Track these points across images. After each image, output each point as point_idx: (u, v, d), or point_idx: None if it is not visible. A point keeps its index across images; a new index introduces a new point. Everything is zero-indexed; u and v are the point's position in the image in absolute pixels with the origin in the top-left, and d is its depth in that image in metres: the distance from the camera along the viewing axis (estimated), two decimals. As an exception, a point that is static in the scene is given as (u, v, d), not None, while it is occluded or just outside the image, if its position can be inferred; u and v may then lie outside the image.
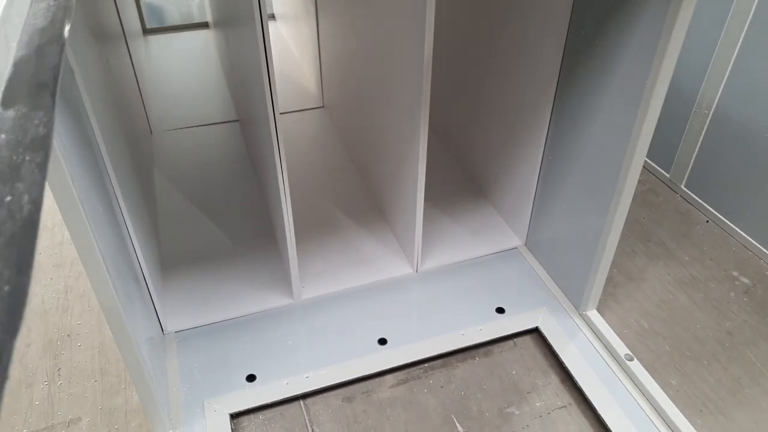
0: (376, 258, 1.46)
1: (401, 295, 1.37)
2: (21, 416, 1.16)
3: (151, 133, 1.95)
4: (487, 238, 1.52)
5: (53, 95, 0.29)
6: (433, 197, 1.62)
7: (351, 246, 1.49)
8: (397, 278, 1.41)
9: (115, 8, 1.63)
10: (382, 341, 1.26)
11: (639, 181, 1.61)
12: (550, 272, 1.41)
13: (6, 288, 0.18)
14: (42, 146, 0.25)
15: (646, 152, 1.05)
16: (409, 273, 1.43)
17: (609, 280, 1.43)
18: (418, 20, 1.06)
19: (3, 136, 0.25)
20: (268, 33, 0.98)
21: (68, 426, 1.14)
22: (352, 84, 1.64)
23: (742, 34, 1.40)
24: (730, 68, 1.45)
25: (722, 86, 1.48)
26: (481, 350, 1.28)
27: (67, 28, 0.36)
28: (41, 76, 0.30)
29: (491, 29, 1.39)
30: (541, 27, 1.21)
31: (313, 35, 1.95)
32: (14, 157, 0.24)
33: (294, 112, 2.06)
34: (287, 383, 1.18)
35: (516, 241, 1.51)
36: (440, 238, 1.52)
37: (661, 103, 0.99)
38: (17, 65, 0.31)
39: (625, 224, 1.48)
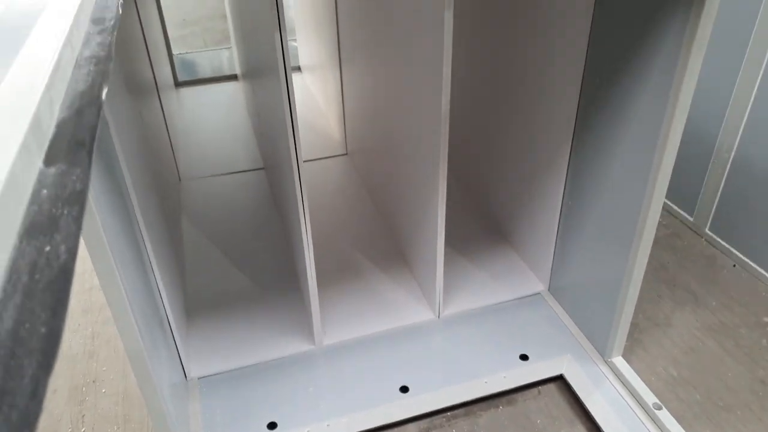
0: (398, 304, 1.46)
1: (423, 342, 1.37)
2: (45, 462, 1.17)
3: (180, 180, 2.01)
4: (509, 284, 1.51)
5: (90, 153, 0.32)
6: (455, 242, 1.63)
7: (373, 292, 1.50)
8: (419, 324, 1.41)
9: (149, 63, 1.72)
10: (404, 389, 1.25)
11: (662, 225, 1.59)
12: (574, 318, 1.39)
13: (42, 329, 0.20)
14: (78, 201, 0.28)
15: (664, 196, 1.05)
16: (431, 319, 1.42)
17: (634, 326, 1.40)
18: (436, 72, 1.10)
19: (45, 191, 0.28)
20: (292, 84, 1.02)
21: (91, 473, 1.15)
22: (374, 132, 1.68)
23: (759, 78, 1.41)
24: (748, 111, 1.46)
25: (741, 129, 1.48)
26: (505, 398, 1.26)
27: (104, 91, 0.39)
28: (80, 135, 0.33)
29: (509, 76, 1.43)
30: (557, 74, 1.23)
31: (337, 85, 2.02)
32: (53, 211, 0.27)
33: (318, 159, 2.11)
34: (309, 431, 1.17)
35: (539, 286, 1.50)
36: (462, 283, 1.51)
37: (676, 148, 0.99)
38: (59, 126, 0.34)
39: (649, 269, 1.46)
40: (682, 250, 1.63)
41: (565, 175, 1.30)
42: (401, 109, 1.37)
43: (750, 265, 1.53)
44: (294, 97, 1.03)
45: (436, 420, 1.21)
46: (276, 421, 1.19)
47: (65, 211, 0.26)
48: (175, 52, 2.94)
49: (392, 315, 1.43)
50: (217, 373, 1.30)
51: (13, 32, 0.44)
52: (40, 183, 0.29)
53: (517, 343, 1.35)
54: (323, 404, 1.22)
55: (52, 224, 0.26)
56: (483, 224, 1.72)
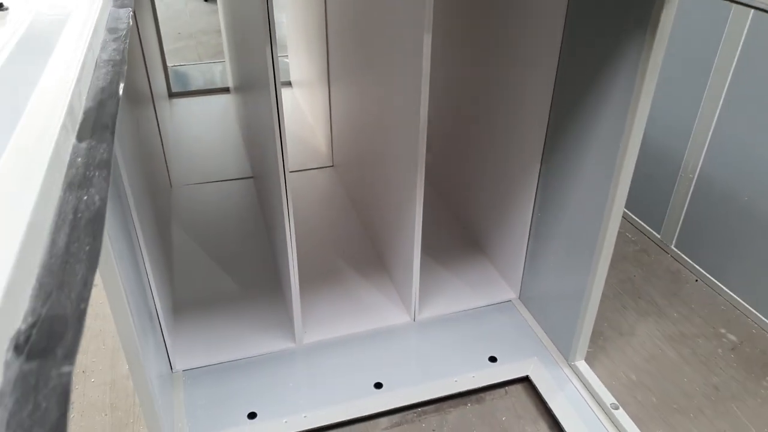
0: (376, 307, 1.54)
1: (398, 342, 1.44)
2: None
3: (171, 186, 2.08)
4: (482, 291, 1.59)
5: (112, 134, 0.40)
6: (432, 250, 1.71)
7: (353, 295, 1.57)
8: (395, 326, 1.48)
9: (146, 74, 1.80)
10: (378, 385, 1.32)
11: (631, 241, 1.70)
12: (542, 324, 1.47)
13: (87, 248, 0.28)
14: (105, 166, 0.36)
15: (622, 210, 1.14)
16: (407, 321, 1.50)
17: (600, 334, 1.49)
18: (415, 90, 1.19)
19: (79, 159, 0.36)
20: (281, 98, 1.11)
21: (77, 457, 1.20)
22: (358, 145, 1.77)
23: (720, 103, 1.52)
24: (710, 134, 1.57)
25: (704, 150, 1.59)
26: (474, 397, 1.33)
27: (121, 86, 0.48)
28: (104, 120, 0.41)
29: (485, 92, 1.52)
30: (528, 92, 1.33)
31: (325, 101, 2.11)
32: (87, 173, 0.35)
33: (305, 170, 2.19)
34: (286, 421, 1.24)
35: (510, 294, 1.58)
36: (438, 289, 1.59)
37: (633, 162, 1.09)
38: (87, 113, 0.42)
39: (616, 282, 1.55)
40: (649, 265, 1.72)
41: (535, 189, 1.39)
42: (383, 125, 1.46)
43: (710, 280, 1.62)
44: (282, 111, 1.11)
45: (408, 415, 1.28)
46: (256, 412, 1.25)
47: (96, 173, 0.34)
48: (169, 64, 3.03)
49: (370, 317, 1.50)
50: (202, 366, 1.36)
51: (44, 39, 0.53)
52: (75, 154, 0.37)
53: (487, 345, 1.43)
54: (301, 397, 1.29)
55: (87, 182, 0.33)
56: (460, 234, 1.81)
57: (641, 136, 1.07)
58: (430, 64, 1.14)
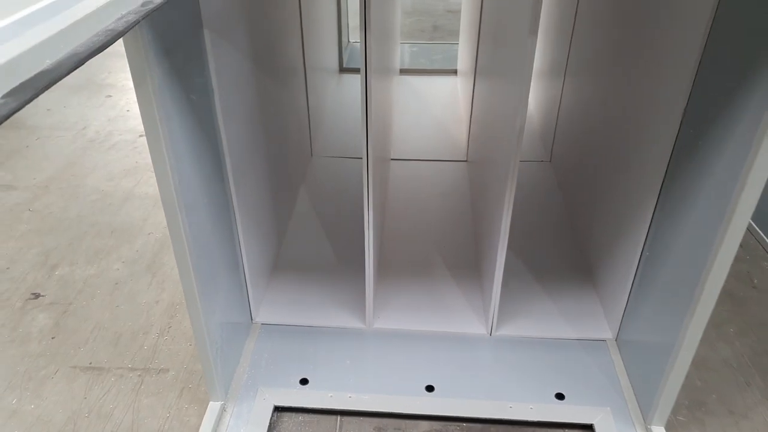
0: (456, 311, 1.50)
1: (464, 352, 1.39)
2: (130, 355, 1.43)
3: (312, 155, 2.22)
4: (576, 323, 1.46)
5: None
6: (539, 268, 1.61)
7: (438, 294, 1.55)
8: (468, 335, 1.43)
9: (302, 47, 1.93)
10: (430, 388, 1.30)
11: None
12: (630, 373, 1.31)
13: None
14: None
15: (728, 267, 0.96)
16: (482, 334, 1.44)
17: (701, 404, 1.28)
18: (519, 81, 1.11)
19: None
20: (528, 88, 1.06)
21: (158, 373, 1.38)
22: (483, 139, 1.71)
23: None
24: None
25: None
26: (526, 429, 1.24)
27: None
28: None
29: (613, 118, 1.37)
30: (653, 124, 1.17)
31: (468, 94, 2.07)
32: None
33: (436, 161, 2.18)
34: (331, 396, 1.28)
35: (607, 333, 1.43)
36: (529, 309, 1.50)
37: (745, 224, 0.91)
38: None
39: (749, 351, 1.35)
40: (797, 341, 1.42)
41: (648, 225, 1.22)
42: (493, 127, 1.39)
43: None
44: (526, 101, 1.08)
45: (450, 426, 1.24)
46: (308, 379, 1.32)
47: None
48: (352, 40, 3.20)
49: (445, 319, 1.47)
50: (278, 324, 1.46)
51: None
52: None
53: (559, 380, 1.31)
54: (353, 378, 1.32)
55: None
56: (576, 257, 1.67)
57: (758, 194, 0.89)
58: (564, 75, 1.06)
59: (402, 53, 3.28)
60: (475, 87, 2.00)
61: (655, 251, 1.20)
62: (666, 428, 1.19)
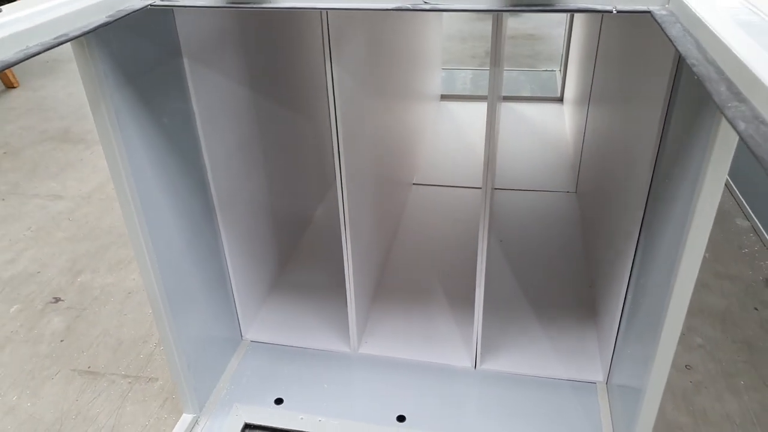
0: (444, 341, 1.47)
1: (445, 384, 1.36)
2: (126, 362, 1.50)
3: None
4: (568, 362, 1.39)
5: None
6: (540, 303, 1.56)
7: (429, 323, 1.53)
8: (451, 367, 1.40)
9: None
10: (401, 418, 1.28)
11: None
12: (614, 419, 1.23)
13: None
14: None
15: (684, 311, 0.90)
16: (466, 367, 1.40)
17: (690, 460, 1.19)
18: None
19: None
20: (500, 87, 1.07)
21: (147, 382, 1.44)
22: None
23: None
24: None
25: None
26: (495, 470, 1.19)
27: None
28: None
29: (613, 154, 1.32)
30: (633, 171, 1.11)
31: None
32: None
33: (463, 187, 2.16)
34: (302, 418, 1.28)
35: (599, 375, 1.35)
36: (522, 345, 1.44)
37: (697, 268, 0.85)
38: None
39: (759, 407, 1.27)
40: (814, 401, 1.29)
41: (631, 265, 1.16)
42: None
43: None
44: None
45: (415, 460, 1.22)
46: (283, 398, 1.33)
47: None
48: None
49: (431, 349, 1.45)
50: (265, 342, 1.49)
51: None
52: None
53: (540, 422, 1.26)
54: (326, 401, 1.32)
55: None
56: (585, 296, 1.60)
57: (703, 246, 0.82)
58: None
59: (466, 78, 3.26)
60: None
61: (635, 294, 1.13)
62: (642, 484, 1.11)
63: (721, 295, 1.65)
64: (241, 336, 1.50)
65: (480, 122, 2.68)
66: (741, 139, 0.39)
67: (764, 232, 1.88)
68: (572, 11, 0.71)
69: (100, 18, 0.74)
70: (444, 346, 1.45)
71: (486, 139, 1.14)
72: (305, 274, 1.72)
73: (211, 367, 1.35)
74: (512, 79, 3.10)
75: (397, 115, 1.79)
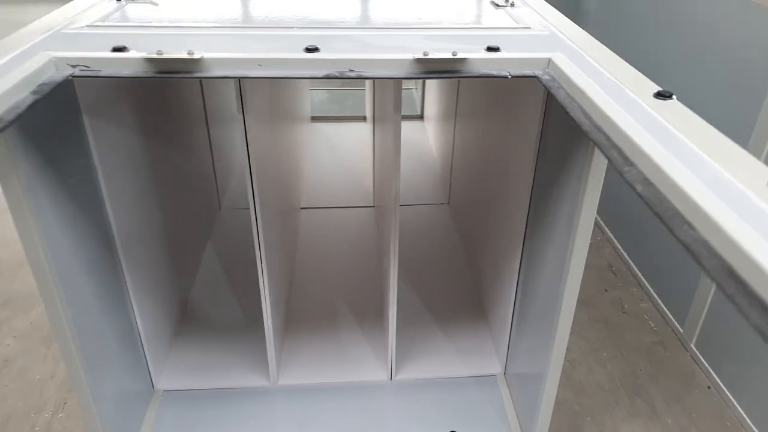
0: (359, 360, 1.56)
1: (366, 400, 1.45)
2: (23, 435, 1.38)
3: (220, 209, 2.24)
4: (469, 361, 1.56)
5: None
6: (437, 310, 1.70)
7: (342, 344, 1.60)
8: (370, 383, 1.49)
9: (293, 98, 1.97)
10: (332, 439, 1.34)
11: (652, 330, 1.63)
12: (516, 404, 1.41)
13: None
14: None
15: (574, 301, 1.08)
16: (384, 380, 1.50)
17: (579, 428, 1.40)
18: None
19: None
20: (399, 132, 1.15)
21: (53, 453, 1.34)
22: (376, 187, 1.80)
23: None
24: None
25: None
26: (424, 470, 1.31)
27: None
28: None
29: (488, 164, 1.51)
30: (514, 177, 1.30)
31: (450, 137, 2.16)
32: None
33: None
34: (235, 458, 1.30)
35: (497, 368, 1.53)
36: (427, 351, 1.58)
37: (582, 264, 1.03)
38: None
39: (619, 374, 1.48)
40: (661, 361, 1.58)
41: (518, 265, 1.34)
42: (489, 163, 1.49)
43: (723, 391, 1.46)
44: (399, 144, 1.15)
45: (351, 476, 1.29)
46: (210, 444, 1.33)
47: None
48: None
49: (349, 369, 1.52)
50: (180, 390, 1.46)
51: None
52: None
53: (454, 419, 1.39)
54: (257, 437, 1.34)
55: None
56: (472, 298, 1.78)
57: (587, 245, 1.02)
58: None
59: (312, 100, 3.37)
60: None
61: (525, 290, 1.32)
62: (548, 455, 1.29)
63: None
64: (153, 387, 1.46)
65: (349, 142, 2.81)
66: (641, 198, 0.53)
67: (602, 224, 2.22)
68: (476, 77, 0.84)
69: (26, 95, 0.73)
70: (359, 365, 1.54)
71: (392, 157, 1.24)
72: (207, 313, 1.70)
73: (128, 424, 1.30)
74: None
75: (285, 141, 1.85)
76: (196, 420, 1.38)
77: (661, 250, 1.70)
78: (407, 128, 2.90)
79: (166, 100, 1.59)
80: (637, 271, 1.87)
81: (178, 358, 1.54)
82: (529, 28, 1.01)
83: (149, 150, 1.42)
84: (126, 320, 1.28)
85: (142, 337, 1.37)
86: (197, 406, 1.42)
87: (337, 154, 2.71)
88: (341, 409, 1.42)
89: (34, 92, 0.75)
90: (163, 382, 1.47)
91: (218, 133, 2.24)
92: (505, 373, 1.52)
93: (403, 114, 1.16)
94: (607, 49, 0.90)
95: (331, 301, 1.76)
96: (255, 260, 1.90)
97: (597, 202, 0.97)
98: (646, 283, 1.82)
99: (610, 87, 0.74)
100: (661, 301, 1.71)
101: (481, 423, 1.39)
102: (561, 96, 0.76)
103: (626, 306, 1.78)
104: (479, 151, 1.71)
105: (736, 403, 1.41)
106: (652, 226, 1.75)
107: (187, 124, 1.82)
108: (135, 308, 1.32)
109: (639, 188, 0.53)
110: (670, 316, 1.68)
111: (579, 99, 0.73)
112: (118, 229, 1.21)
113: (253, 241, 1.31)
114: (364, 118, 3.11)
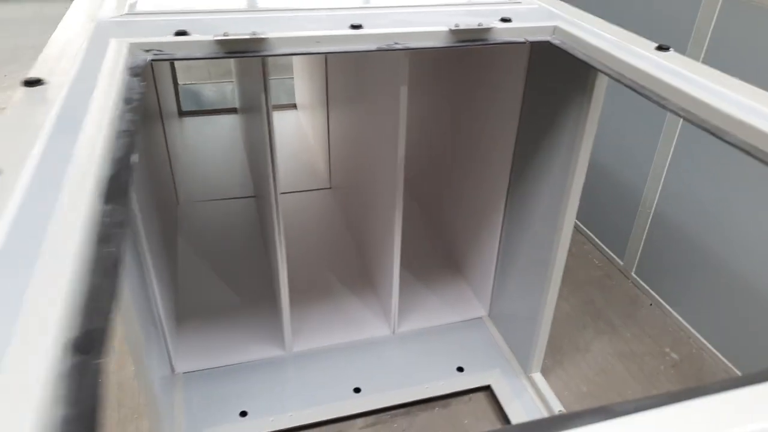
0: (361, 320, 1.70)
1: (378, 353, 1.60)
2: (49, 435, 1.39)
3: (178, 202, 2.26)
4: (456, 308, 1.75)
5: (127, 195, 0.57)
6: (415, 269, 1.88)
7: (341, 309, 1.74)
8: (377, 338, 1.65)
9: (155, 94, 1.98)
10: (357, 390, 1.49)
11: (597, 266, 1.89)
12: (506, 340, 1.63)
13: (111, 284, 0.45)
14: (123, 225, 0.53)
15: (568, 242, 1.30)
16: (387, 334, 1.66)
17: (559, 349, 1.64)
18: (394, 121, 1.35)
19: (108, 219, 0.53)
20: (272, 121, 1.24)
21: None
22: (350, 167, 1.94)
23: (671, 150, 1.68)
24: (664, 175, 1.72)
25: (659, 189, 1.74)
26: (441, 402, 1.49)
27: (133, 157, 0.65)
28: (122, 186, 0.58)
29: (461, 129, 1.70)
30: (496, 135, 1.50)
31: (324, 125, 2.29)
32: (109, 230, 0.52)
33: (302, 191, 2.36)
34: (272, 420, 1.40)
35: (481, 311, 1.74)
36: (417, 305, 1.75)
37: (576, 203, 1.25)
38: (111, 180, 0.59)
39: (580, 303, 1.72)
40: (610, 289, 1.87)
41: (502, 216, 1.55)
42: (368, 153, 1.63)
43: (663, 305, 1.77)
44: (273, 133, 1.25)
45: (382, 417, 1.44)
46: (247, 410, 1.42)
47: (116, 230, 0.52)
48: (180, 82, 3.22)
49: (354, 329, 1.67)
50: (200, 370, 1.53)
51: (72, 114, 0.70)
52: (102, 215, 0.54)
53: (456, 357, 1.59)
54: (287, 399, 1.45)
55: (108, 238, 0.51)
56: (442, 255, 1.97)
57: (582, 182, 1.24)
58: (416, 105, 1.31)
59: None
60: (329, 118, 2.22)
61: (510, 238, 1.53)
62: (542, 373, 1.52)
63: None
64: (173, 370, 1.52)
65: (223, 134, 2.83)
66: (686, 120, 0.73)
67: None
68: (499, 44, 1.01)
69: (129, 78, 0.80)
70: (361, 324, 1.68)
71: (268, 148, 1.31)
72: (200, 299, 1.76)
73: (164, 406, 1.36)
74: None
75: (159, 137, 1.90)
76: (223, 393, 1.46)
77: (596, 201, 1.98)
78: (278, 117, 2.99)
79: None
80: (576, 221, 2.15)
81: (187, 342, 1.60)
82: (520, 3, 1.19)
83: (142, 138, 1.46)
84: (152, 307, 1.34)
85: (164, 325, 1.42)
86: (220, 382, 1.50)
87: (209, 148, 2.77)
88: (356, 363, 1.56)
89: (134, 75, 0.81)
90: (180, 365, 1.53)
91: (170, 129, 2.25)
92: (489, 315, 1.73)
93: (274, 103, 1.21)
94: (594, 17, 1.10)
95: (318, 276, 1.88)
96: (230, 250, 1.98)
97: (595, 131, 1.17)
98: (585, 229, 2.11)
99: (617, 45, 0.94)
100: (601, 242, 2.01)
101: (479, 357, 1.59)
102: (579, 54, 0.95)
103: (573, 249, 2.05)
104: (364, 133, 1.89)
105: (674, 313, 1.72)
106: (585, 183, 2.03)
107: (149, 120, 1.84)
108: (158, 297, 1.37)
109: (682, 114, 0.73)
110: (611, 253, 1.97)
111: (597, 56, 0.92)
112: (138, 204, 1.25)
113: (242, 230, 1.39)
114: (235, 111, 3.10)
